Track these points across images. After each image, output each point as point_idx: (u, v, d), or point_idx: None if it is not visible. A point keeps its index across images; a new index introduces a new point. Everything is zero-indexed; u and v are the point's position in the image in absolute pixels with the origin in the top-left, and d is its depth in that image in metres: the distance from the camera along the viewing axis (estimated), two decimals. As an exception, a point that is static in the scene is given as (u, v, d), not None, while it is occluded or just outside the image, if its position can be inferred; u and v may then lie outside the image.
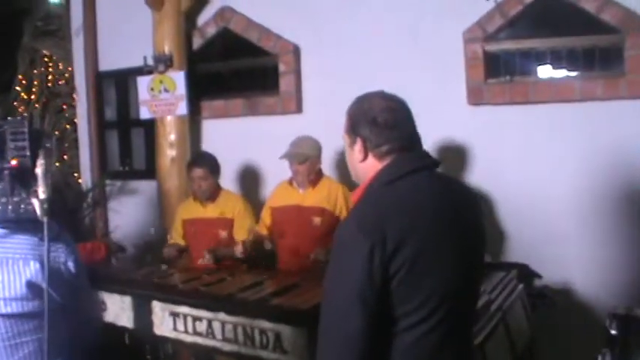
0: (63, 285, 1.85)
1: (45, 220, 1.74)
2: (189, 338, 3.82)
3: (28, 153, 1.77)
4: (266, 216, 5.01)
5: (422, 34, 5.16)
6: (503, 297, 3.84)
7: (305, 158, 4.70)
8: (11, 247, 1.76)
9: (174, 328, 3.87)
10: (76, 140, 7.31)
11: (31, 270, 1.76)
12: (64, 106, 7.75)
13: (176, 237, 5.15)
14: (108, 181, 6.77)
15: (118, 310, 4.12)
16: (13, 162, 1.75)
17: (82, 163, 7.00)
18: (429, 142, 4.40)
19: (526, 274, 4.44)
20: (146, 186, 6.48)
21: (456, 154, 5.08)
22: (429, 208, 2.12)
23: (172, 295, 3.97)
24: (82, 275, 1.97)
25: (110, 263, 4.93)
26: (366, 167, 2.24)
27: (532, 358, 4.12)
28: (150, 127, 6.30)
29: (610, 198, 4.82)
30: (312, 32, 5.55)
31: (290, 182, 4.92)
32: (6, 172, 1.76)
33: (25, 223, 1.76)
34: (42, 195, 1.74)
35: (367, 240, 1.98)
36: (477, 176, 5.04)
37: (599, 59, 4.89)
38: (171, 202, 5.74)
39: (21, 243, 1.78)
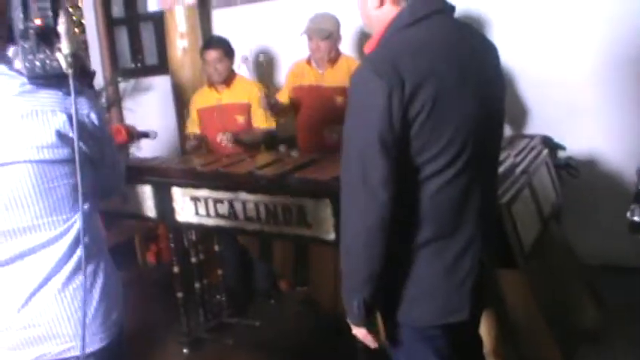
0: (88, 136, 1.97)
1: (70, 71, 1.83)
2: (211, 222, 3.80)
3: (50, 13, 1.84)
4: (285, 96, 4.91)
5: None
6: (529, 160, 3.77)
7: (328, 34, 4.59)
8: (40, 100, 1.87)
9: (196, 213, 3.84)
10: (85, 42, 7.17)
11: (59, 121, 1.88)
12: (70, 8, 7.59)
13: (192, 127, 5.07)
14: (120, 79, 6.66)
15: (140, 200, 4.09)
16: (38, 21, 1.83)
17: (93, 63, 6.87)
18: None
19: (550, 145, 4.36)
20: (160, 81, 6.39)
21: (476, 23, 4.90)
22: (448, 51, 2.02)
23: (191, 180, 3.92)
24: (104, 127, 2.08)
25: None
26: (382, 14, 2.12)
27: (559, 221, 4.08)
28: (159, 20, 6.14)
29: (632, 65, 4.67)
30: None
31: (308, 62, 4.82)
32: (31, 31, 1.83)
33: (51, 79, 1.86)
34: (65, 50, 1.82)
35: (384, 83, 1.90)
36: (503, 50, 4.88)
37: None
38: (186, 94, 5.62)
39: (49, 96, 1.88)
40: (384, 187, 1.93)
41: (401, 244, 2.06)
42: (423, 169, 1.99)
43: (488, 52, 2.25)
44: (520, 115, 5.00)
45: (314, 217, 3.33)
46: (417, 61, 1.95)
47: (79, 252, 1.94)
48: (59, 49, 1.83)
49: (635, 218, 3.03)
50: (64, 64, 1.83)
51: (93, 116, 1.99)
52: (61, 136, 1.87)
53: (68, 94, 1.85)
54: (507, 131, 4.93)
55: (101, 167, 2.07)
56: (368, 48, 2.16)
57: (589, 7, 4.72)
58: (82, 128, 1.92)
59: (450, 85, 1.98)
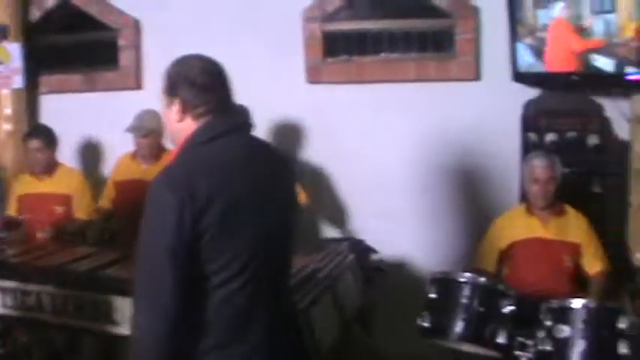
0: None
1: None
2: (18, 313, 3.73)
3: None
4: (110, 190, 4.96)
5: (262, 12, 5.19)
6: (332, 266, 3.97)
7: (148, 132, 4.70)
8: None
9: (3, 304, 3.78)
10: None
11: None
12: None
13: (11, 213, 4.99)
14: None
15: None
16: None
17: None
18: (267, 118, 4.58)
19: (362, 248, 4.61)
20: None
21: (294, 131, 5.18)
22: (240, 168, 2.21)
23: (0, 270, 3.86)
24: None
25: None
26: (183, 128, 2.28)
27: (363, 324, 4.29)
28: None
29: (439, 175, 5.07)
30: (153, 8, 5.49)
31: (133, 156, 4.90)
32: None
33: None
34: None
35: (176, 196, 2.05)
36: (315, 152, 5.16)
37: (431, 42, 5.12)
38: (8, 178, 5.54)
39: None
40: (173, 297, 2.04)
41: (188, 351, 2.14)
42: (211, 278, 2.12)
43: (282, 168, 2.46)
44: (335, 217, 5.24)
45: (122, 314, 3.37)
46: (208, 178, 2.11)
47: None
48: None
49: (424, 324, 3.30)
50: None
51: None
52: None
53: None
54: (324, 233, 5.18)
55: None
56: (171, 157, 2.33)
57: (399, 120, 5.09)
58: None
59: (241, 201, 2.15)
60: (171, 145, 2.41)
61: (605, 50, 4.16)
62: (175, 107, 2.27)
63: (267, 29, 5.16)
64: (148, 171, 4.77)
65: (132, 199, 4.69)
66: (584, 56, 4.30)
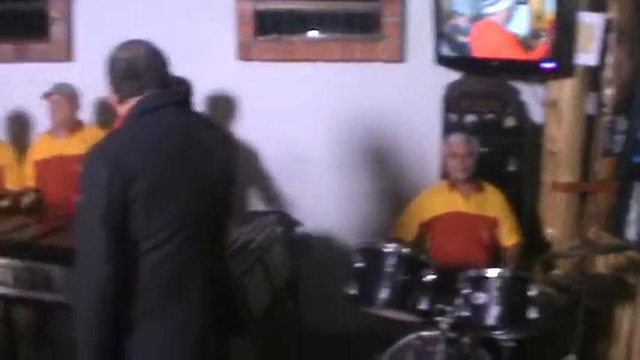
0: None
1: None
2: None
3: None
4: (29, 170, 4.94)
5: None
6: (262, 238, 4.14)
7: (64, 95, 4.76)
8: None
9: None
10: None
11: None
12: None
13: None
14: None
15: None
16: None
17: None
18: (199, 94, 4.67)
19: (287, 221, 4.78)
20: None
21: (224, 107, 5.28)
22: (170, 140, 2.36)
23: None
24: None
25: None
26: (123, 109, 2.45)
27: (290, 293, 4.48)
28: None
29: (363, 152, 5.28)
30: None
31: (50, 133, 4.94)
32: None
33: None
34: None
35: (105, 166, 2.20)
36: (244, 128, 5.24)
37: (359, 23, 5.29)
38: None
39: None
40: (106, 260, 2.18)
41: (125, 313, 2.29)
42: (141, 244, 2.27)
43: (218, 141, 2.60)
44: (261, 193, 5.38)
45: (61, 282, 3.46)
46: (137, 150, 2.27)
47: None
48: None
49: (352, 292, 3.48)
50: None
51: None
52: None
53: None
54: (248, 206, 5.33)
55: None
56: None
57: (326, 99, 5.28)
58: None
59: (169, 173, 2.31)
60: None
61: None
62: (113, 96, 2.45)
63: (200, 6, 5.23)
64: (65, 145, 4.82)
65: (53, 175, 4.76)
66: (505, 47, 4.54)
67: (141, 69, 2.39)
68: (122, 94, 2.41)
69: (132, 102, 2.40)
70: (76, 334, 2.27)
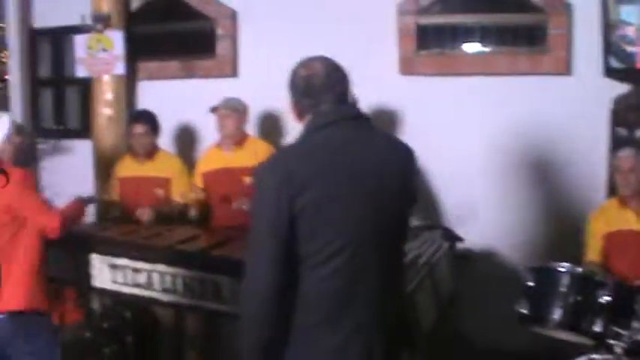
0: None
1: None
2: (127, 290, 3.96)
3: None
4: (198, 181, 5.08)
5: (358, 4, 5.31)
6: (430, 253, 4.09)
7: (233, 108, 4.86)
8: None
9: (114, 280, 3.99)
10: (6, 97, 7.22)
11: None
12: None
13: (112, 194, 5.21)
14: (41, 140, 6.73)
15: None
16: None
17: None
18: (362, 108, 4.65)
19: (449, 236, 4.71)
20: (81, 145, 6.48)
21: (387, 121, 5.27)
22: (341, 156, 2.35)
23: (111, 248, 4.07)
24: None
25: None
26: (302, 123, 2.48)
27: (452, 307, 4.41)
28: (85, 86, 6.30)
29: (527, 167, 5.15)
30: (250, -1, 5.67)
31: (218, 146, 5.06)
32: None
33: None
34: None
35: (275, 177, 2.25)
36: (406, 142, 5.21)
37: (524, 36, 5.17)
38: (107, 161, 5.78)
39: None
40: (272, 265, 2.22)
41: (290, 324, 2.30)
42: (306, 260, 2.27)
43: (396, 157, 2.54)
44: (426, 207, 5.28)
45: (229, 292, 3.55)
46: (306, 164, 2.29)
47: None
48: None
49: (523, 311, 3.38)
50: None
51: None
52: None
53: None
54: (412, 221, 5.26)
55: None
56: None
57: (489, 112, 5.17)
58: None
59: (336, 189, 2.29)
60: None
61: None
62: (293, 108, 2.49)
63: (363, 21, 5.26)
64: (232, 157, 4.92)
65: (220, 187, 4.88)
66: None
67: (317, 86, 2.41)
68: (301, 109, 2.45)
69: (309, 117, 2.43)
70: (241, 342, 2.33)
